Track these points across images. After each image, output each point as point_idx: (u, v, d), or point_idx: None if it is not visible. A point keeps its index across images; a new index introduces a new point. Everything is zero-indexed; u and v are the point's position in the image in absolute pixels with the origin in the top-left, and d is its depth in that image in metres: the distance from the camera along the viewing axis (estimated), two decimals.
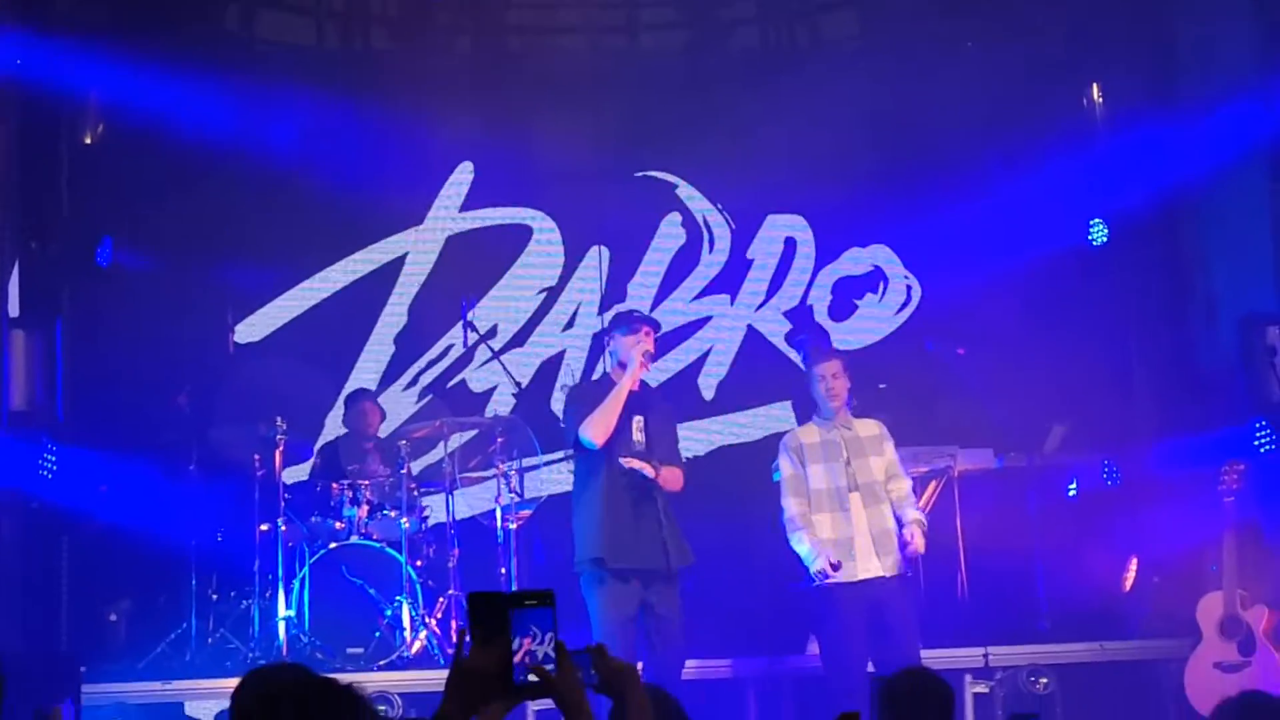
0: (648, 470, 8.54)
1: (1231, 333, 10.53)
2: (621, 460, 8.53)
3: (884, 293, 12.68)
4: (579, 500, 8.75)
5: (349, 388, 12.17)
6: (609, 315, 10.06)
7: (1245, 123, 10.20)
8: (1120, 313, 11.85)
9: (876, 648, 8.56)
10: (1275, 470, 9.66)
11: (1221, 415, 10.35)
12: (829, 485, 8.76)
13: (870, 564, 8.65)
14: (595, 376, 11.70)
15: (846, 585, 8.60)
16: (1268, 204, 10.17)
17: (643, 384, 8.76)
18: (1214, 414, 10.48)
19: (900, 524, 8.74)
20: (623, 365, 8.60)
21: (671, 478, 8.66)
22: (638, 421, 8.63)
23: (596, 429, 8.49)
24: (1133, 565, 11.13)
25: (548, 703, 3.17)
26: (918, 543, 8.66)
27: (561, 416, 9.24)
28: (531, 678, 3.07)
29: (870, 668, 8.48)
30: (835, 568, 8.56)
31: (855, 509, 8.73)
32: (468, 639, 3.08)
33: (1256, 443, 9.85)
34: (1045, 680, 9.57)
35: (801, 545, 8.71)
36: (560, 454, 11.19)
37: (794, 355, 12.38)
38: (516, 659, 3.05)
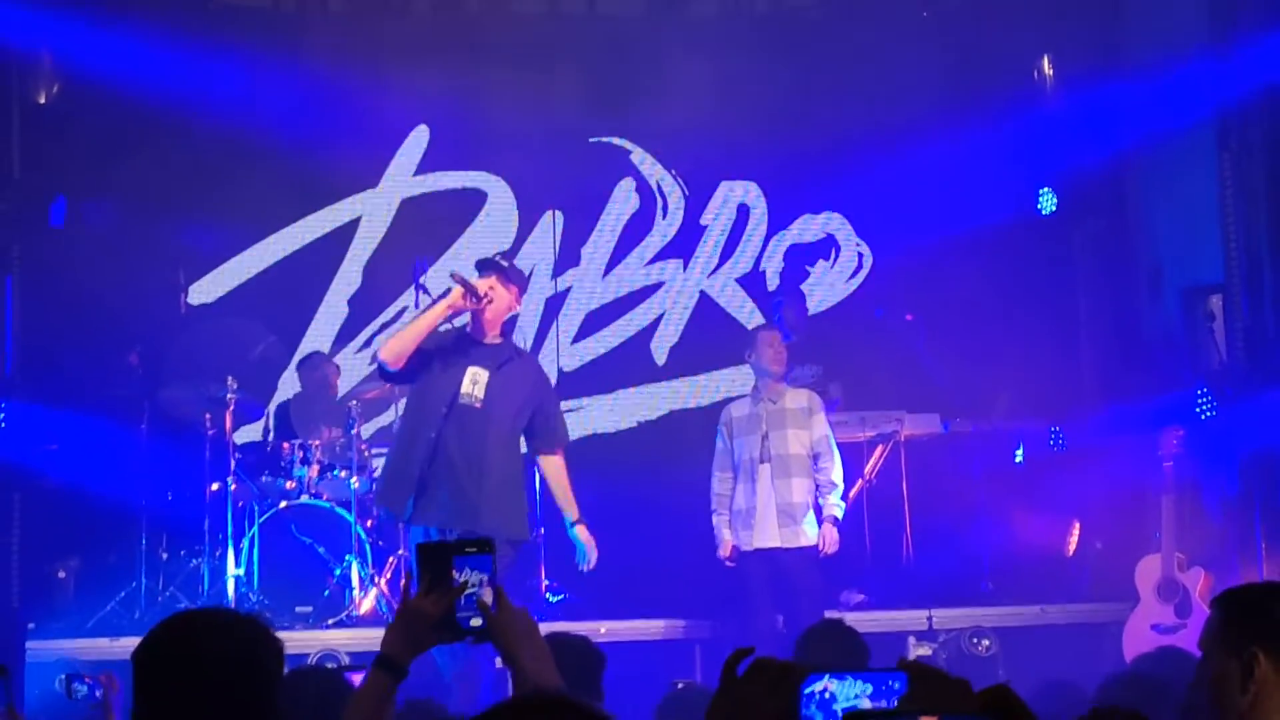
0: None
1: (1175, 301, 10.64)
2: None
3: (835, 259, 12.75)
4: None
5: (302, 349, 12.20)
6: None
7: (1193, 93, 10.28)
8: (1067, 280, 11.98)
9: (784, 611, 9.02)
10: (1215, 436, 9.77)
11: (1164, 382, 10.47)
12: (746, 457, 9.23)
13: (770, 535, 9.13)
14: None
15: (748, 553, 9.17)
16: (1214, 173, 10.24)
17: (508, 343, 8.29)
18: (1157, 380, 10.60)
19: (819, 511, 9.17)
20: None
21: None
22: (476, 374, 7.93)
23: (386, 347, 7.99)
24: (1075, 529, 11.27)
25: None
26: (828, 544, 9.02)
27: None
28: (474, 621, 3.21)
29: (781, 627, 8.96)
30: (731, 559, 9.19)
31: (762, 480, 9.18)
32: (414, 584, 3.21)
33: (1197, 409, 9.96)
34: (988, 642, 9.71)
35: (715, 524, 9.36)
36: None
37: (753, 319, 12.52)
38: (459, 606, 3.20)
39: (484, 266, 8.17)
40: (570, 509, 8.31)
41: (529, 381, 8.24)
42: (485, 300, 7.89)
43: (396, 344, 7.92)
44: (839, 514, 9.16)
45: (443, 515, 7.88)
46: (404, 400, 10.70)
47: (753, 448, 9.22)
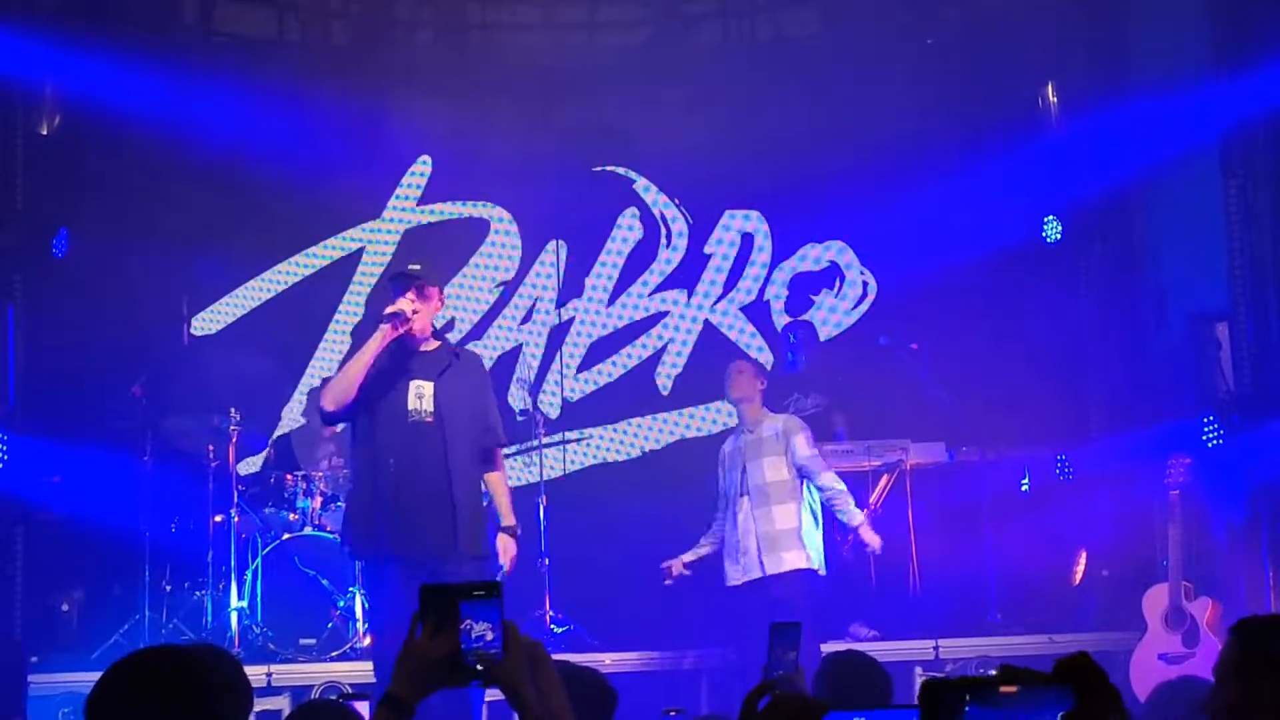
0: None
1: (1181, 328, 10.61)
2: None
3: (840, 288, 12.72)
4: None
5: (307, 380, 12.19)
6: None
7: (1198, 119, 10.26)
8: (1073, 308, 11.93)
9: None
10: (1222, 464, 9.73)
11: (1171, 410, 10.44)
12: (731, 492, 9.31)
13: (752, 566, 9.13)
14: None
15: (738, 587, 9.19)
16: (1220, 200, 10.23)
17: (445, 347, 7.90)
18: (1163, 408, 10.56)
19: (844, 530, 9.34)
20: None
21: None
22: (420, 387, 7.60)
23: (329, 396, 7.66)
24: (1082, 558, 11.23)
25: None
26: (872, 542, 9.11)
27: None
28: (479, 666, 3.20)
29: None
30: (669, 578, 9.45)
31: (743, 512, 9.21)
32: (419, 626, 3.20)
33: (1204, 437, 9.92)
34: (995, 672, 9.64)
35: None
36: (515, 447, 11.21)
37: (758, 349, 12.50)
38: (465, 646, 3.19)
39: (397, 282, 7.75)
40: (505, 515, 7.89)
41: (473, 383, 7.85)
42: (413, 317, 7.55)
43: (338, 391, 7.59)
44: (863, 517, 9.27)
45: (421, 552, 7.50)
46: None
47: (734, 482, 9.29)
